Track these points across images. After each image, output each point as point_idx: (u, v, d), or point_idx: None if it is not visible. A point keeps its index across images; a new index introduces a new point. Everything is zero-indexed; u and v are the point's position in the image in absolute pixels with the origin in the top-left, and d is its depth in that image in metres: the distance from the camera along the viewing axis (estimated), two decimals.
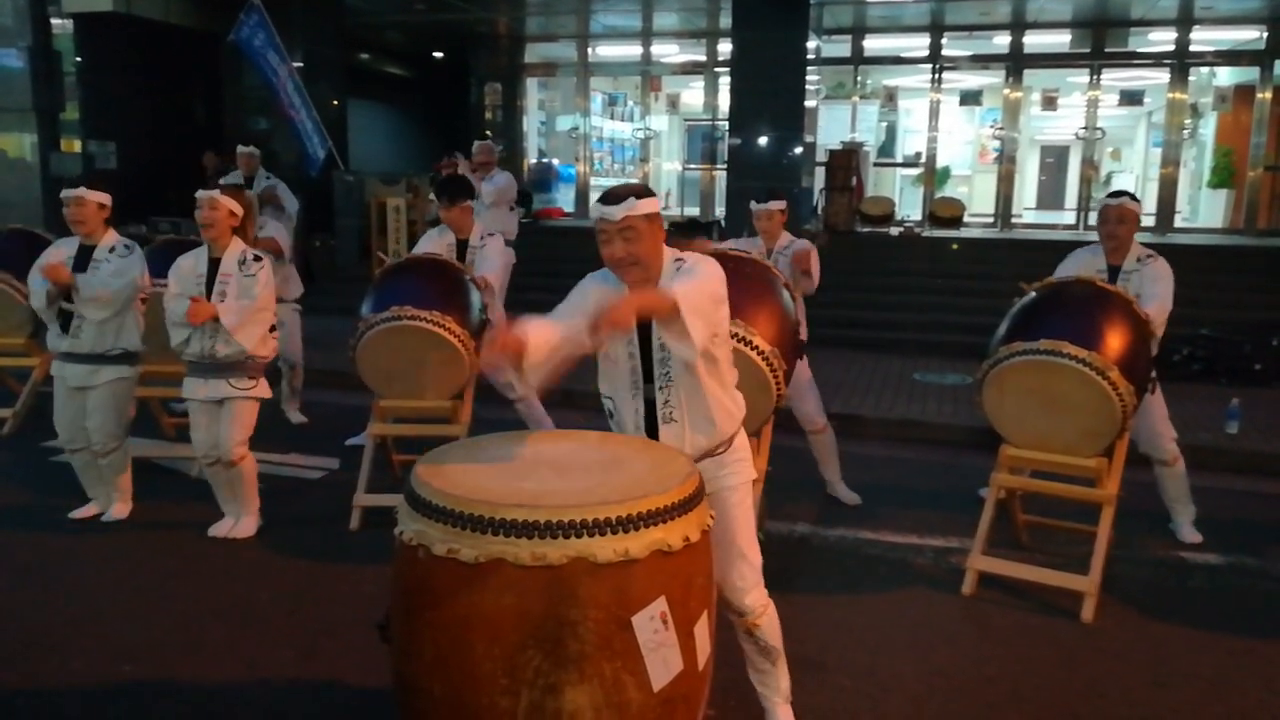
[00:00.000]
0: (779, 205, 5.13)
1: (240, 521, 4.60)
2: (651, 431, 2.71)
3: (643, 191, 2.58)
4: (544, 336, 2.42)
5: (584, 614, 2.14)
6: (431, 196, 5.38)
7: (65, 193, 4.47)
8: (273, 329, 4.50)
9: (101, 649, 3.49)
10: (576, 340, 2.44)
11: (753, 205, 5.19)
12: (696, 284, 2.49)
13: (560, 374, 2.51)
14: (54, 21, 12.11)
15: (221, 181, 5.17)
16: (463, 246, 5.33)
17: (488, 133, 15.22)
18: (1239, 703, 3.30)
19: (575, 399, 6.36)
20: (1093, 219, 13.16)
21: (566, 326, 2.48)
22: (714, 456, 2.75)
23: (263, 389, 4.51)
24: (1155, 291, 4.27)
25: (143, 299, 4.65)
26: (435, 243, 5.37)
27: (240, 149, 7.70)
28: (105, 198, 4.51)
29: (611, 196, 2.56)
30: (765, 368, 3.64)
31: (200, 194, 4.31)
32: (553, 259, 11.05)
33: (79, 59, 12.40)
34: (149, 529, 4.66)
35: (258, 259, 4.37)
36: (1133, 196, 4.49)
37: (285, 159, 11.32)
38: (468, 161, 8.01)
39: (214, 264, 4.34)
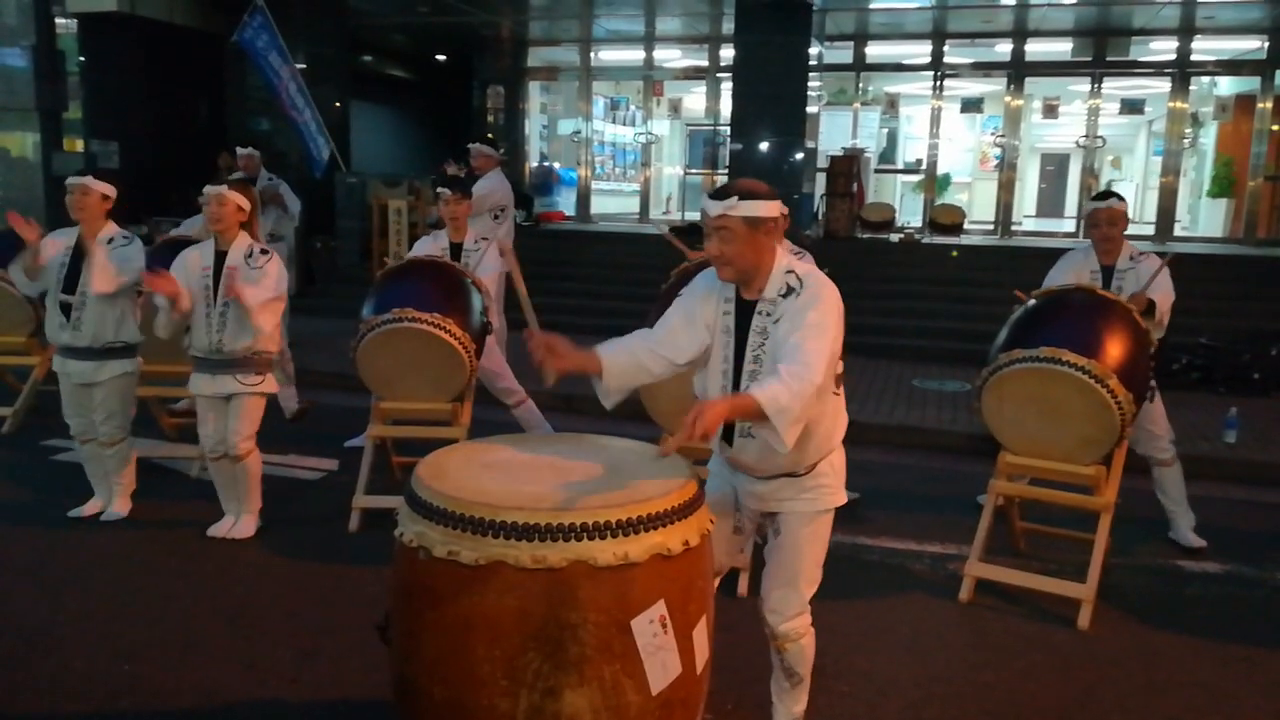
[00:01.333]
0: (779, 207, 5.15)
1: (240, 521, 4.61)
2: (728, 440, 2.62)
3: (749, 192, 2.47)
4: (624, 364, 2.56)
5: (584, 617, 2.15)
6: (440, 190, 5.32)
7: (70, 180, 4.49)
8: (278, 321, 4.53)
9: (101, 648, 3.49)
10: (651, 371, 2.59)
11: None
12: (798, 356, 2.35)
13: (645, 383, 2.67)
14: (58, 21, 12.11)
15: (229, 178, 5.19)
16: (456, 250, 5.34)
17: (489, 135, 15.33)
18: (1235, 711, 3.31)
19: (575, 403, 6.38)
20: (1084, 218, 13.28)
21: (642, 358, 2.59)
22: (792, 477, 2.63)
23: (269, 384, 4.53)
24: (1157, 282, 4.29)
25: (140, 292, 4.66)
26: (430, 247, 5.38)
27: (240, 150, 7.70)
28: (110, 189, 4.54)
29: (717, 190, 2.50)
30: None
31: (208, 189, 4.34)
32: (554, 262, 11.08)
33: (82, 59, 12.42)
34: (148, 528, 4.67)
35: (264, 252, 4.39)
36: (1118, 196, 4.53)
37: (287, 160, 11.34)
38: (459, 166, 7.79)
39: (220, 258, 4.36)
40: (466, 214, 5.43)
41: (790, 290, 2.49)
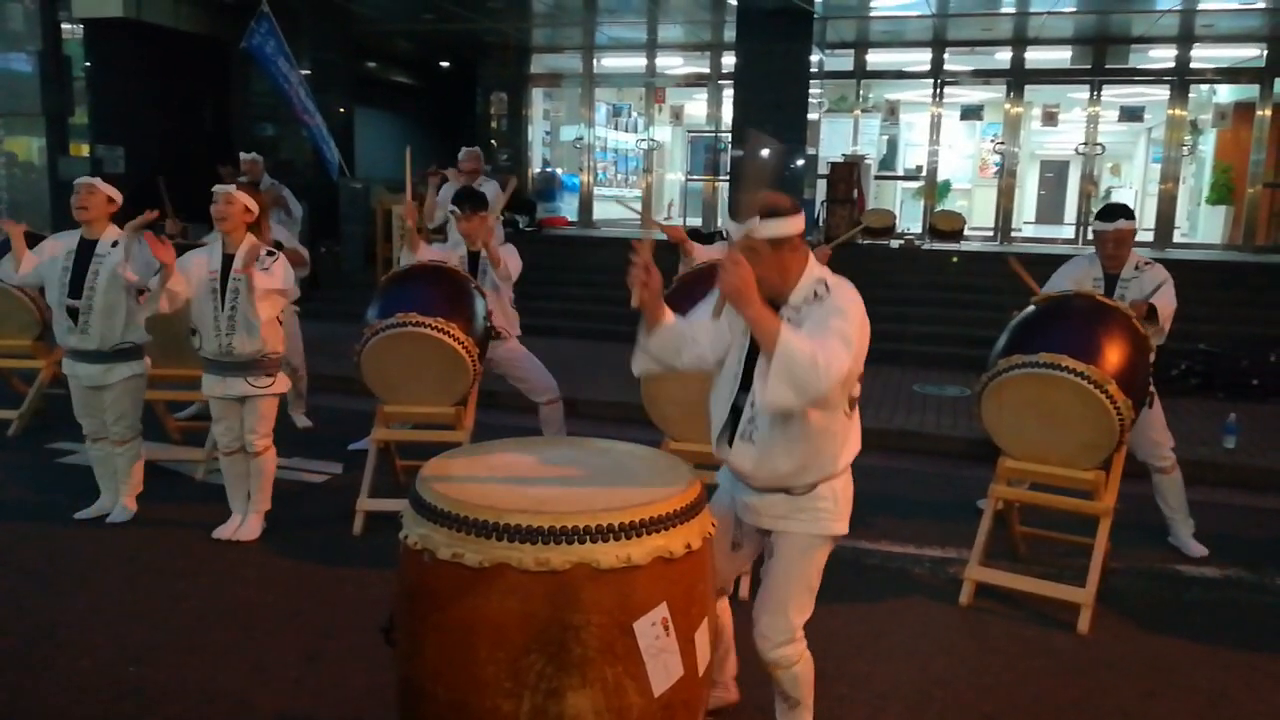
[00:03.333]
0: None
1: (245, 523, 4.64)
2: (729, 441, 2.59)
3: (776, 209, 2.41)
4: (676, 331, 2.52)
5: (586, 619, 2.17)
6: (452, 210, 5.31)
7: (77, 181, 4.55)
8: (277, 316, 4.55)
9: (108, 649, 3.52)
10: (685, 355, 2.55)
11: None
12: (824, 331, 2.33)
13: (672, 365, 2.59)
14: (64, 26, 12.19)
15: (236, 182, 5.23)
16: (474, 258, 5.36)
17: (492, 141, 15.37)
18: (1233, 715, 3.33)
19: (580, 407, 6.40)
20: (1091, 234, 13.32)
21: (687, 336, 2.54)
22: (788, 494, 2.59)
23: (281, 384, 4.58)
24: (1161, 290, 4.31)
25: (140, 292, 4.68)
26: (446, 256, 5.39)
27: (244, 155, 7.73)
28: (116, 193, 4.61)
29: (738, 210, 2.44)
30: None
31: (217, 189, 4.38)
32: (556, 267, 11.11)
33: (88, 64, 12.46)
34: (154, 530, 4.70)
35: (271, 253, 4.41)
36: (1127, 214, 4.52)
37: (292, 166, 11.39)
38: (455, 171, 7.78)
39: (227, 260, 4.38)
40: (480, 227, 5.27)
41: (817, 296, 2.47)
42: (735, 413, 2.58)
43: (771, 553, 2.67)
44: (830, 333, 2.35)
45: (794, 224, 2.44)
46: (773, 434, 2.48)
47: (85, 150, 12.43)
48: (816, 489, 2.58)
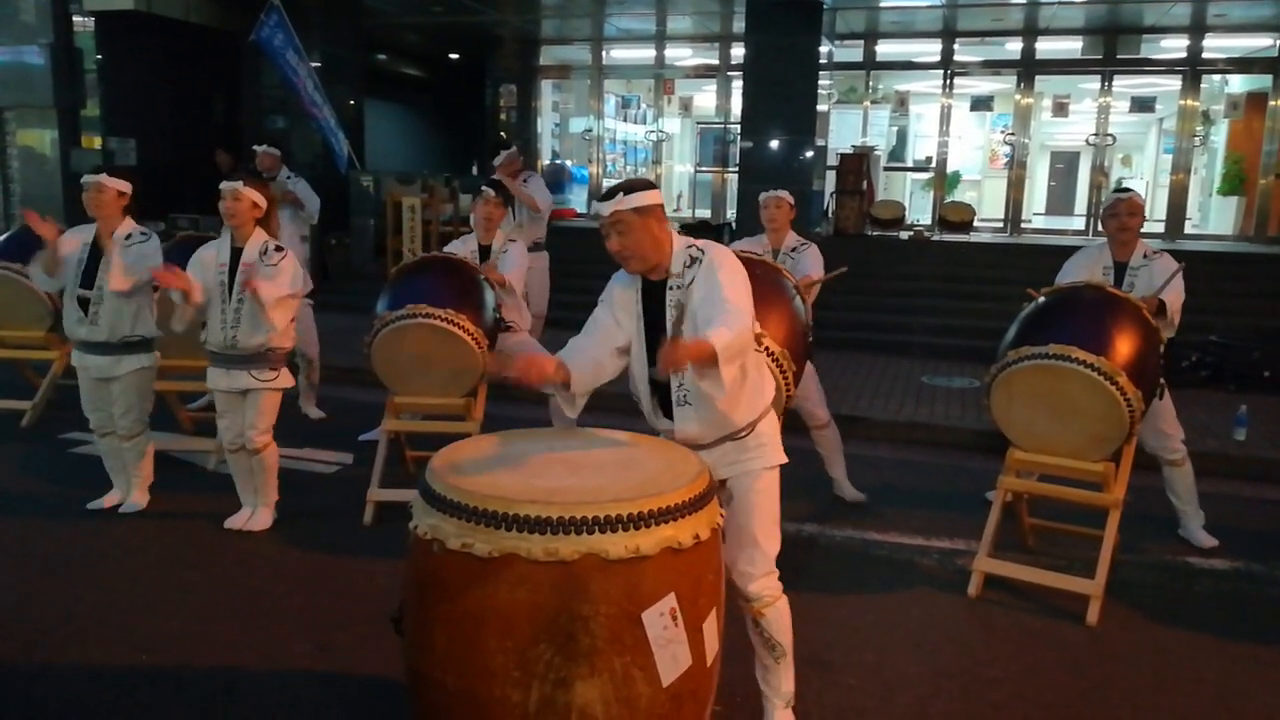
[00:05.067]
0: (785, 196, 5.20)
1: (256, 514, 4.67)
2: (667, 412, 2.77)
3: (633, 186, 2.66)
4: (584, 370, 2.71)
5: (595, 609, 2.18)
6: (483, 189, 5.37)
7: (86, 179, 4.55)
8: (291, 319, 4.57)
9: (120, 639, 3.55)
10: (608, 370, 2.78)
11: (761, 195, 5.29)
12: (727, 305, 2.53)
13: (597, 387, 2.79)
14: (75, 19, 12.22)
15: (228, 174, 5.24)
16: (485, 253, 5.36)
17: (502, 134, 15.35)
18: (1243, 708, 3.32)
19: (589, 398, 6.40)
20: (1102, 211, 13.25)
21: (595, 360, 2.75)
22: (735, 440, 2.78)
23: (285, 379, 4.58)
24: (1169, 282, 4.30)
25: (155, 288, 4.71)
26: (460, 251, 5.38)
27: (259, 149, 7.73)
28: (125, 185, 4.60)
29: (605, 193, 2.69)
30: (775, 370, 3.67)
31: (224, 185, 4.36)
32: (566, 259, 11.08)
33: (100, 57, 12.51)
34: (166, 521, 4.73)
35: (279, 249, 4.42)
36: (1137, 194, 4.59)
37: (302, 158, 11.41)
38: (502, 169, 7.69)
39: (236, 254, 4.39)
40: (501, 218, 5.41)
41: (694, 260, 2.68)
42: (654, 386, 2.77)
43: (730, 498, 2.82)
44: (720, 286, 2.58)
45: (653, 196, 2.67)
46: (708, 391, 2.61)
47: (97, 142, 12.48)
48: (756, 428, 2.79)
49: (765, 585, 2.84)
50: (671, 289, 2.71)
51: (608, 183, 16.12)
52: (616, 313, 2.81)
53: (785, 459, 2.87)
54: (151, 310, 4.72)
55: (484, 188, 5.44)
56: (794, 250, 5.15)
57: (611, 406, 2.70)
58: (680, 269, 2.70)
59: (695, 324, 2.60)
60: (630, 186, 2.67)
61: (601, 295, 2.87)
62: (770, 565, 2.84)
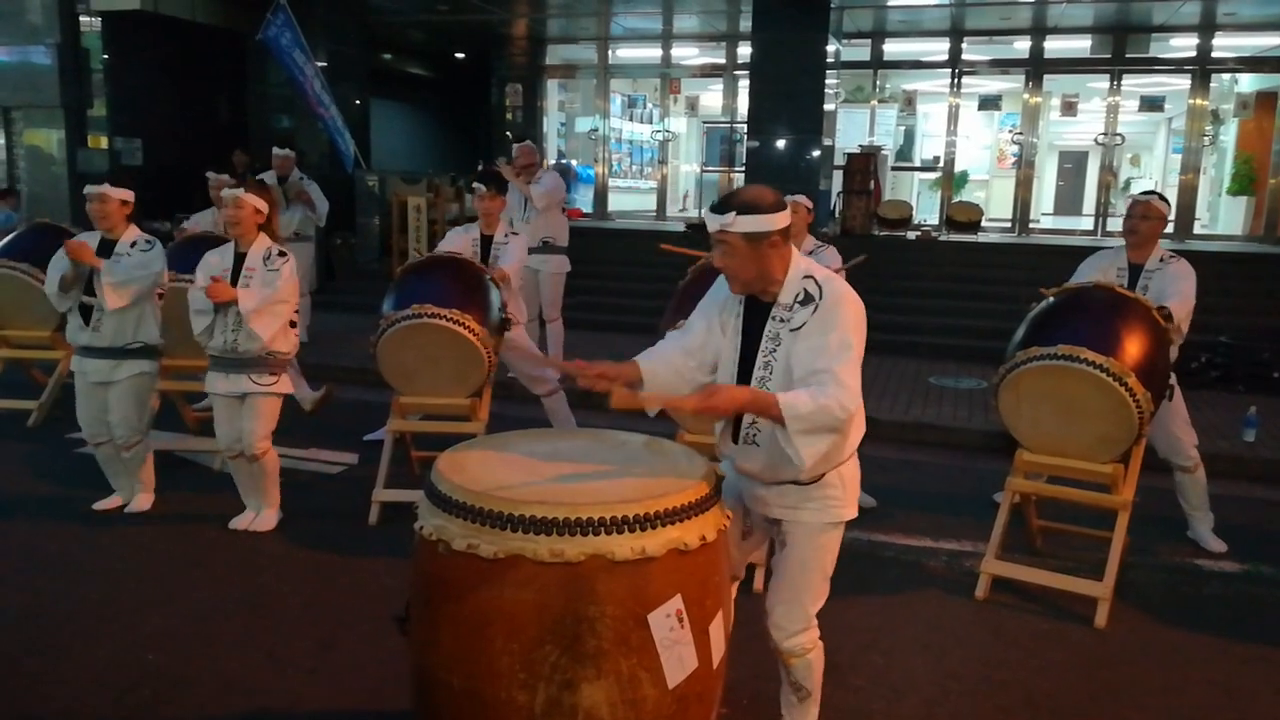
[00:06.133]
0: (804, 201, 5.18)
1: (261, 514, 4.67)
2: (731, 438, 2.57)
3: (752, 204, 2.37)
4: (664, 375, 2.53)
5: (601, 610, 2.17)
6: (475, 185, 5.43)
7: (89, 189, 4.59)
8: (293, 325, 4.57)
9: (125, 638, 3.55)
10: (688, 380, 2.56)
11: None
12: (826, 375, 2.30)
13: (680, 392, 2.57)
14: (82, 19, 12.25)
15: (247, 177, 5.26)
16: (487, 243, 5.40)
17: (508, 133, 15.34)
18: (1251, 710, 3.31)
19: (594, 398, 6.39)
20: (1111, 225, 13.23)
21: (676, 367, 2.55)
22: (797, 484, 2.52)
23: (284, 385, 4.57)
24: (1178, 289, 4.27)
25: (160, 294, 4.73)
26: (460, 240, 5.42)
27: (276, 151, 7.74)
28: (128, 194, 4.64)
29: (718, 203, 2.42)
30: None
31: (226, 193, 4.41)
32: (571, 259, 11.12)
33: (106, 56, 12.55)
34: (171, 521, 4.73)
35: (282, 254, 4.43)
36: (1161, 197, 4.54)
37: (308, 159, 11.42)
38: (509, 166, 7.54)
39: (239, 259, 4.41)
40: (500, 209, 5.50)
41: (809, 298, 2.42)
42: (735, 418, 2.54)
43: (783, 543, 2.64)
44: (832, 350, 2.34)
45: (773, 220, 2.37)
46: (777, 438, 2.38)
47: (104, 142, 12.51)
48: (825, 477, 2.52)
49: (801, 641, 2.63)
50: (774, 319, 2.45)
51: (614, 183, 16.12)
52: (713, 321, 2.56)
53: (854, 513, 2.59)
54: (155, 317, 4.72)
55: (475, 184, 5.52)
56: (812, 253, 5.14)
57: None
58: (790, 301, 2.43)
59: (789, 374, 2.38)
60: (747, 204, 2.36)
61: (702, 301, 2.63)
62: (808, 622, 2.63)
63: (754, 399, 2.33)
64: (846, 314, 2.39)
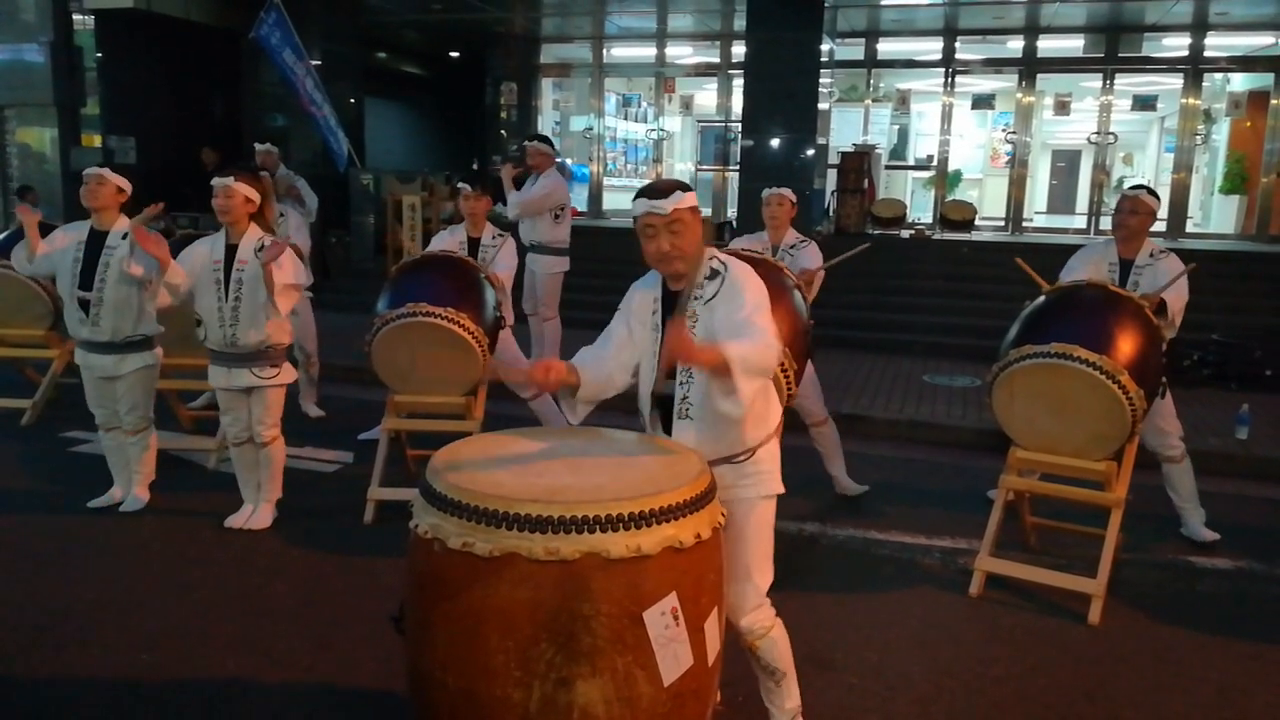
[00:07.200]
0: (789, 194, 5.22)
1: (257, 512, 4.67)
2: (666, 426, 2.67)
3: (682, 185, 2.56)
4: (595, 379, 2.63)
5: (596, 608, 2.17)
6: (460, 186, 5.48)
7: (87, 171, 4.56)
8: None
9: (120, 637, 3.55)
10: (616, 384, 2.69)
11: (764, 192, 5.32)
12: (754, 326, 2.44)
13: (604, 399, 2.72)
14: (75, 17, 12.21)
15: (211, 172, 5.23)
16: (474, 245, 5.40)
17: (502, 131, 15.34)
18: (1246, 707, 3.32)
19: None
20: (1103, 224, 13.27)
21: (606, 372, 2.66)
22: (732, 463, 2.63)
23: (287, 374, 4.57)
24: (1174, 284, 4.29)
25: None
26: (447, 242, 5.43)
27: (258, 146, 7.72)
28: (126, 184, 4.63)
29: (657, 191, 2.53)
30: (778, 370, 3.67)
31: (216, 181, 4.29)
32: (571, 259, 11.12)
33: (100, 55, 12.51)
34: (166, 519, 4.73)
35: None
36: (1151, 191, 4.56)
37: (301, 157, 11.40)
38: (511, 165, 7.52)
39: (231, 251, 4.35)
40: (485, 210, 5.51)
41: (715, 273, 2.58)
42: (657, 399, 2.67)
43: (724, 525, 2.69)
44: (748, 308, 2.50)
45: (695, 197, 2.59)
46: (710, 409, 2.51)
47: (97, 141, 12.48)
48: (756, 454, 2.66)
49: (756, 619, 2.71)
50: (693, 298, 2.59)
51: (609, 182, 16.11)
52: (632, 322, 2.70)
53: (782, 489, 2.75)
54: (152, 308, 4.71)
55: (460, 184, 5.56)
56: (793, 247, 5.17)
57: (613, 405, 2.70)
58: (702, 280, 2.59)
59: (714, 340, 2.48)
60: (678, 185, 2.55)
61: (620, 304, 2.76)
62: (761, 598, 2.71)
63: (703, 349, 2.41)
64: (751, 279, 2.58)
